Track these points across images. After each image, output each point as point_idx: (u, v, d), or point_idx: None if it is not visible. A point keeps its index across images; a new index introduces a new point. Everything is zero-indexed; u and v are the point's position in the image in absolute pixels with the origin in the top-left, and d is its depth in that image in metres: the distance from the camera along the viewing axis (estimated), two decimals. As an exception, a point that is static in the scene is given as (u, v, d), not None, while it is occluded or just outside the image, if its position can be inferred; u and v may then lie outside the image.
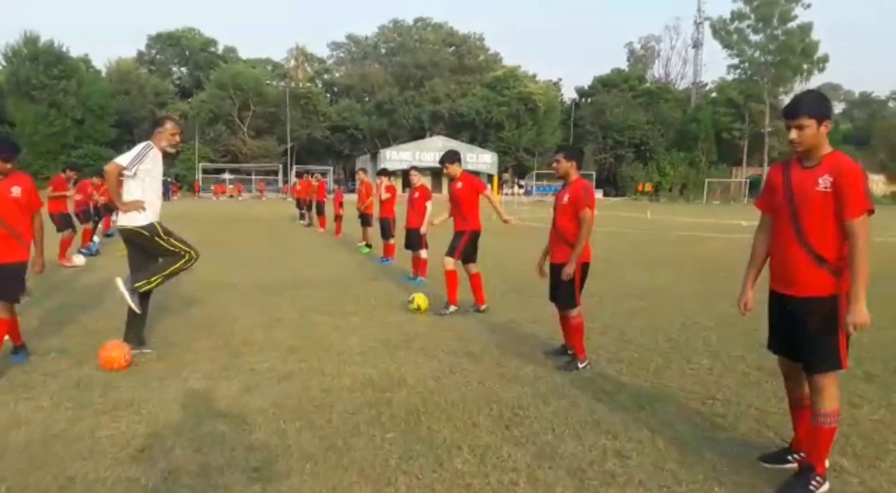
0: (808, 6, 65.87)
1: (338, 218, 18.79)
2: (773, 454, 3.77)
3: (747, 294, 3.81)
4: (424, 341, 6.44)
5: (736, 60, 70.46)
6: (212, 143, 65.62)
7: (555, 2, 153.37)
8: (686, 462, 3.71)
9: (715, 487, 3.44)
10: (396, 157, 60.13)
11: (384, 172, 13.42)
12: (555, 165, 5.81)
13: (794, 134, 3.34)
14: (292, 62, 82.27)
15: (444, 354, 5.98)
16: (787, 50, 65.39)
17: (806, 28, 65.69)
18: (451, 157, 8.11)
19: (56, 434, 4.06)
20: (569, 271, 5.41)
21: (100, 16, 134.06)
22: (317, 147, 73.07)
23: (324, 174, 32.85)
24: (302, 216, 24.08)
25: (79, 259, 11.86)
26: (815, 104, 3.35)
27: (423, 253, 10.39)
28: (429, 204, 10.38)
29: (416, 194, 10.56)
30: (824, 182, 3.26)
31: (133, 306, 5.71)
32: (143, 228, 5.64)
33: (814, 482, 3.34)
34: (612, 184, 71.06)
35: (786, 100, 73.07)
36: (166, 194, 43.69)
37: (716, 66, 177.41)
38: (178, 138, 5.96)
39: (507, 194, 60.48)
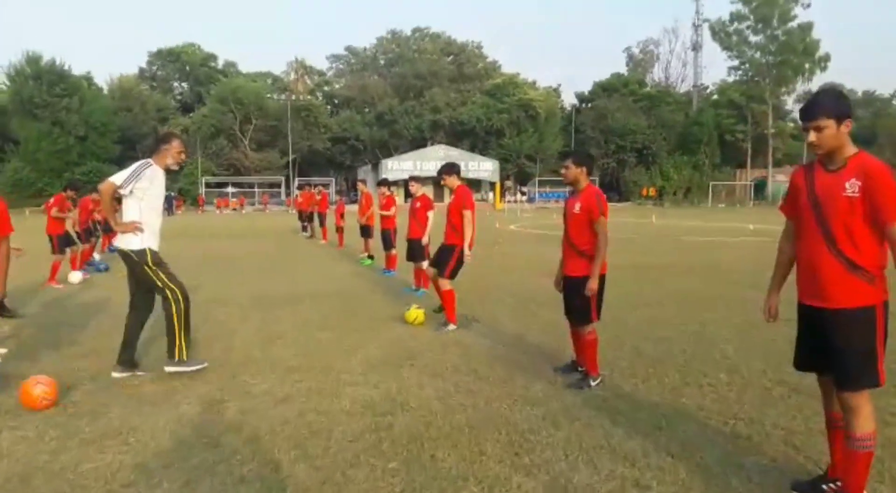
0: (808, 6, 65.74)
1: (339, 229, 18.59)
2: (806, 482, 3.48)
3: (772, 300, 3.57)
4: (428, 359, 6.18)
5: (736, 62, 70.31)
6: (214, 157, 65.67)
7: (552, 9, 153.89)
8: None
9: (744, 518, 3.17)
10: (398, 167, 59.98)
11: (384, 183, 13.18)
12: (563, 171, 5.49)
13: (812, 137, 3.11)
14: (292, 75, 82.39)
15: (448, 372, 5.71)
16: (788, 50, 65.18)
17: (806, 27, 65.46)
18: (448, 169, 7.87)
19: (39, 467, 3.82)
20: (592, 286, 5.11)
21: (101, 34, 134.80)
22: (318, 159, 73.07)
23: (325, 186, 32.71)
24: (304, 228, 23.87)
25: (75, 277, 11.62)
26: (833, 103, 3.11)
27: (425, 265, 10.11)
28: (430, 214, 10.12)
29: (418, 204, 10.31)
30: (851, 187, 3.02)
31: (192, 369, 5.49)
32: (134, 252, 5.39)
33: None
34: (615, 189, 70.71)
35: (788, 100, 73.44)
36: (170, 209, 43.64)
37: (716, 67, 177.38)
38: (183, 156, 5.74)
39: (509, 202, 60.38)
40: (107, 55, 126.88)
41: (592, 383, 5.25)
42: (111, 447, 4.09)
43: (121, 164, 60.93)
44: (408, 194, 10.56)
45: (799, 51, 65.30)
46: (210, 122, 64.67)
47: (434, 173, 9.64)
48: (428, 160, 61.11)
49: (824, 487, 3.38)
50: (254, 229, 29.07)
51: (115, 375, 5.59)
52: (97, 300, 9.61)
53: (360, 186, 16.01)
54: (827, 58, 66.96)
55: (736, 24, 67.89)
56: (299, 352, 6.43)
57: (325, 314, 8.42)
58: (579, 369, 5.50)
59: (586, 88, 79.89)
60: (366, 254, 14.75)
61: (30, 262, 13.23)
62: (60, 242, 11.68)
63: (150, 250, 5.41)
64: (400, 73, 77.49)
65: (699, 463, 3.78)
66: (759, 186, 69.28)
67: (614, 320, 7.67)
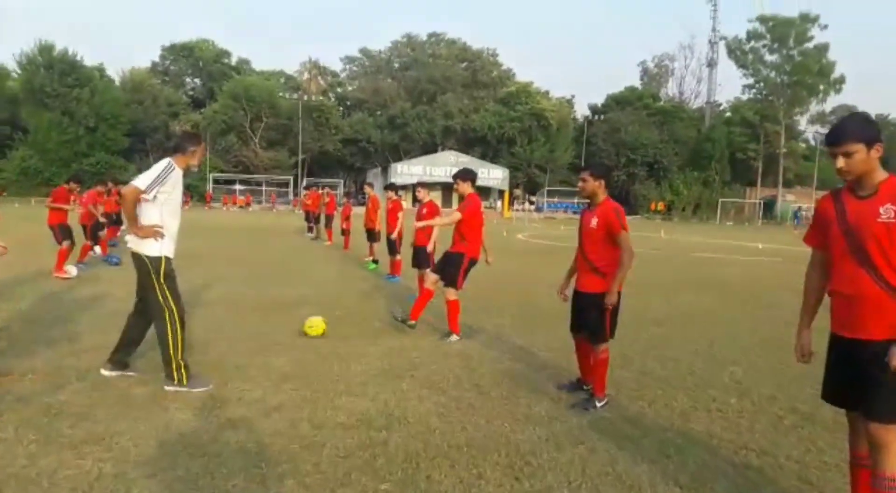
0: (825, 27, 65.45)
1: (345, 232, 18.41)
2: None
3: (804, 338, 3.32)
4: (429, 370, 5.98)
5: (751, 80, 70.02)
6: (223, 153, 65.64)
7: (569, 19, 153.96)
8: (723, 528, 3.24)
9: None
10: (407, 171, 59.86)
11: (392, 187, 12.98)
12: (580, 184, 5.24)
13: (841, 162, 2.95)
14: (305, 75, 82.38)
15: (449, 385, 5.51)
16: (804, 70, 64.89)
17: (822, 48, 65.21)
18: (464, 174, 7.60)
19: (13, 473, 3.63)
20: (612, 300, 4.91)
21: (115, 27, 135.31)
22: (328, 160, 73.00)
23: (333, 187, 32.52)
24: (310, 229, 23.70)
25: (72, 270, 11.47)
26: (862, 127, 2.96)
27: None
28: (437, 220, 9.94)
29: (424, 211, 10.13)
30: (886, 212, 2.87)
31: (195, 391, 5.14)
32: (149, 258, 5.11)
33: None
34: (624, 202, 70.22)
35: (801, 120, 73.17)
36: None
37: (731, 85, 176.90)
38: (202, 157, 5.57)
39: (517, 210, 60.18)
40: (120, 48, 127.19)
41: (598, 405, 5.04)
42: (92, 454, 3.90)
43: (129, 156, 61.49)
44: (415, 200, 10.37)
45: (814, 72, 65.04)
46: (221, 118, 64.64)
47: (443, 179, 9.51)
48: (438, 166, 61.05)
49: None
50: (259, 228, 28.92)
51: (104, 372, 5.42)
52: (95, 296, 9.42)
53: (367, 189, 15.84)
54: (842, 80, 66.71)
55: (752, 42, 67.67)
56: (296, 359, 6.23)
57: (325, 320, 8.21)
58: (584, 386, 5.30)
59: (600, 100, 79.83)
60: (371, 258, 14.56)
61: (29, 253, 13.17)
62: (62, 232, 11.54)
63: (166, 258, 5.16)
64: (414, 78, 77.42)
65: (710, 498, 3.57)
66: (769, 206, 68.91)
67: (621, 337, 7.39)
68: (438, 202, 10.63)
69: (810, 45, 65.55)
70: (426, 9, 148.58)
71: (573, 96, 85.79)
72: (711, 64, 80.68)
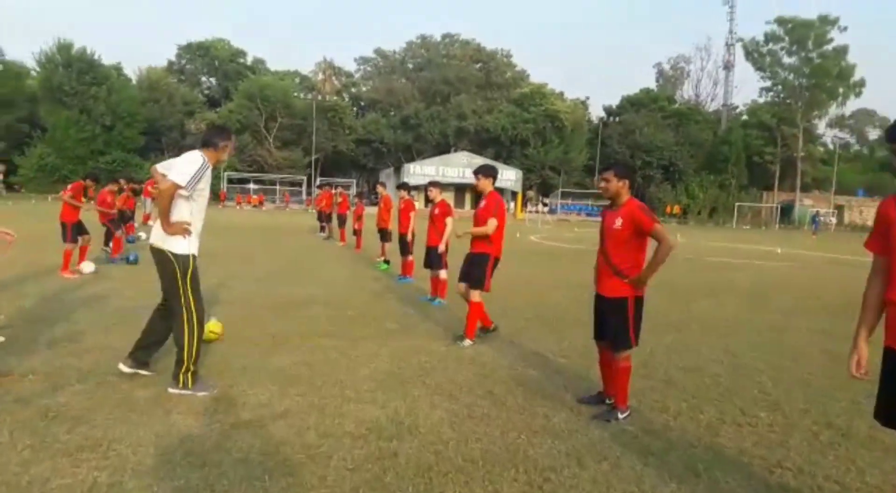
0: (845, 29, 64.71)
1: (357, 232, 18.22)
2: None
3: (862, 351, 3.03)
4: (441, 376, 5.74)
5: (769, 83, 69.41)
6: (238, 153, 65.69)
7: (583, 20, 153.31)
8: (760, 556, 2.98)
9: None
10: (420, 171, 59.60)
11: (404, 187, 12.76)
12: (603, 184, 4.94)
13: None
14: (320, 75, 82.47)
15: (462, 393, 5.27)
16: (823, 73, 64.19)
17: (842, 51, 64.49)
18: (487, 170, 7.36)
19: (3, 481, 3.45)
20: (640, 285, 4.76)
21: (132, 25, 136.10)
22: (342, 160, 72.95)
23: (346, 187, 32.33)
24: (322, 229, 23.53)
25: (87, 267, 11.33)
26: None
27: (443, 274, 9.72)
28: (449, 220, 9.72)
29: (437, 211, 9.92)
30: None
31: (198, 394, 4.92)
32: (176, 255, 4.88)
33: None
34: (639, 205, 69.83)
35: (820, 124, 72.40)
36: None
37: (747, 87, 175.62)
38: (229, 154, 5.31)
39: (531, 212, 59.84)
40: (137, 47, 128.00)
41: (621, 417, 4.78)
42: (88, 461, 3.70)
43: (145, 154, 61.64)
44: (427, 200, 10.12)
45: (833, 75, 64.33)
46: (236, 117, 64.68)
47: (456, 179, 9.24)
48: (451, 166, 60.82)
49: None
50: (272, 227, 28.78)
51: (122, 367, 5.23)
52: (101, 294, 9.22)
53: (379, 189, 15.63)
54: (862, 83, 66.00)
55: (770, 44, 67.04)
56: (303, 361, 6.02)
57: (335, 321, 8.02)
58: (607, 400, 5.03)
59: (614, 101, 79.29)
60: (382, 258, 14.35)
61: (37, 250, 13.06)
62: (73, 230, 11.38)
63: (193, 256, 4.95)
64: (428, 78, 77.22)
65: (746, 523, 3.32)
66: (786, 210, 68.18)
67: (641, 344, 7.18)
68: (451, 202, 10.37)
69: (829, 47, 64.86)
70: (441, 10, 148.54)
71: (588, 98, 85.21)
72: (728, 66, 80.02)
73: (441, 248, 9.31)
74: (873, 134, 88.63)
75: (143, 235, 17.12)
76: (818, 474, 3.96)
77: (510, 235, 7.32)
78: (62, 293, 9.17)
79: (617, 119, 75.29)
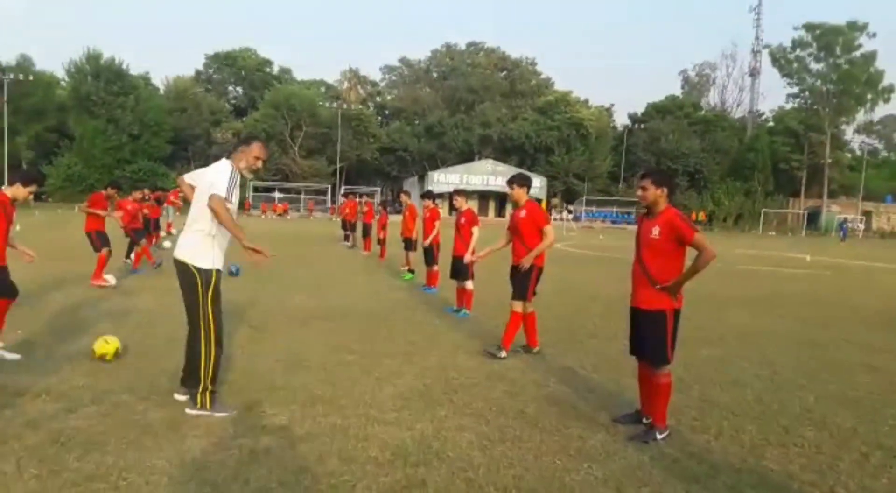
0: (874, 35, 63.61)
1: (381, 241, 18.05)
2: None
3: None
4: (470, 394, 5.50)
5: (796, 89, 68.43)
6: (264, 162, 66.05)
7: (608, 28, 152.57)
8: None
9: None
10: (444, 179, 59.53)
11: (429, 195, 12.54)
12: (640, 192, 4.70)
13: None
14: (345, 84, 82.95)
15: (492, 413, 5.02)
16: (851, 79, 63.21)
17: (870, 57, 63.49)
18: (521, 179, 7.16)
19: (9, 512, 3.27)
20: (674, 290, 4.52)
21: (161, 36, 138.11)
22: (366, 168, 73.16)
23: (370, 195, 32.25)
24: (346, 238, 23.42)
25: (110, 279, 11.26)
26: None
27: (469, 284, 9.49)
28: (475, 229, 9.51)
29: (462, 219, 9.70)
30: None
31: (216, 415, 4.72)
32: (200, 270, 4.69)
33: None
34: (665, 212, 69.08)
35: (848, 130, 71.10)
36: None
37: (773, 94, 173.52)
38: (260, 164, 5.03)
39: (556, 219, 59.44)
40: (165, 56, 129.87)
41: (659, 437, 4.51)
42: (97, 492, 3.50)
43: (171, 164, 62.23)
44: (452, 208, 9.90)
45: (862, 81, 63.31)
46: (262, 126, 65.11)
47: (480, 187, 9.01)
48: (475, 174, 60.67)
49: None
50: (297, 236, 28.72)
51: (178, 396, 5.01)
52: (124, 308, 9.00)
53: (403, 198, 15.44)
54: (891, 89, 64.91)
55: (798, 51, 66.12)
56: (326, 379, 5.80)
57: (358, 335, 7.79)
58: (644, 420, 4.76)
59: (639, 108, 78.69)
60: (407, 268, 14.15)
61: (63, 260, 13.05)
62: (100, 239, 11.35)
63: (217, 271, 4.76)
64: (452, 86, 77.26)
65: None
66: (812, 216, 67.04)
67: (676, 359, 6.91)
68: (475, 211, 10.15)
69: (858, 53, 63.83)
70: (466, 19, 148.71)
71: (612, 105, 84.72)
72: (754, 73, 79.24)
73: (467, 258, 9.09)
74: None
75: (167, 243, 17.09)
76: (879, 506, 3.66)
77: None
78: (83, 306, 9.04)
79: (642, 126, 74.72)
